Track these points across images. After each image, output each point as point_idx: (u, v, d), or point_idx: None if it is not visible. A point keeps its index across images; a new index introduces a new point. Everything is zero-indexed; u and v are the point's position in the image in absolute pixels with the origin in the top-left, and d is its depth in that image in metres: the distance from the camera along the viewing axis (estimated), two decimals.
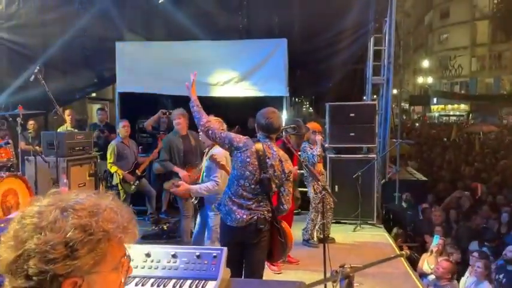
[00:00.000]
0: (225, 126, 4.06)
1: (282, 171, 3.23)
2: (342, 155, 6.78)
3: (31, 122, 6.79)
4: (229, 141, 3.29)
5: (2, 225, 3.17)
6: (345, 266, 1.93)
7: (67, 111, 6.65)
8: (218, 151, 3.97)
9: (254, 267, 3.30)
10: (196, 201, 4.18)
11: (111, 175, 6.34)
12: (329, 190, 4.45)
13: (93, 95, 10.62)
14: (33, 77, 4.65)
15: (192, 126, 4.52)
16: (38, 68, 4.62)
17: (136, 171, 6.02)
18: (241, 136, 3.37)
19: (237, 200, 3.25)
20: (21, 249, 0.87)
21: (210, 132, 3.38)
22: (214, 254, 2.33)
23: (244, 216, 3.21)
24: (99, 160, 6.10)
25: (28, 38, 7.49)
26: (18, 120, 4.57)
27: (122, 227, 0.97)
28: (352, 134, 6.64)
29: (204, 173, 4.08)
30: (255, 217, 3.21)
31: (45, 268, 0.87)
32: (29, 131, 6.61)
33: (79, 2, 7.39)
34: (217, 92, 6.91)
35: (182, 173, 5.20)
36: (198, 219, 4.33)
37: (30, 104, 5.61)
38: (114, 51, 7.22)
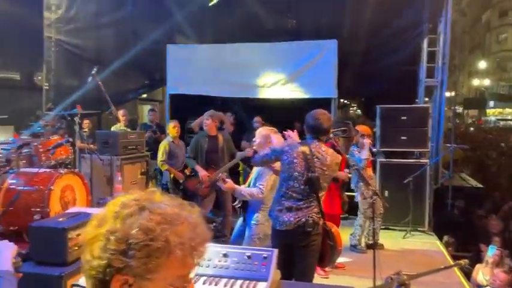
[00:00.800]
0: (274, 135, 3.97)
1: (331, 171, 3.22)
2: (393, 160, 6.59)
3: (86, 121, 7.09)
4: (274, 151, 3.36)
5: (61, 219, 3.32)
6: (401, 273, 1.86)
7: (121, 112, 6.89)
8: None
9: (303, 270, 3.26)
10: (239, 205, 4.18)
11: (161, 173, 6.51)
12: (380, 195, 4.33)
13: (144, 96, 10.96)
14: (90, 78, 4.85)
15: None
16: (95, 69, 4.82)
17: (186, 170, 6.14)
18: (283, 141, 3.43)
19: (286, 202, 3.26)
20: (97, 231, 0.92)
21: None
22: (265, 255, 2.32)
23: (292, 219, 3.21)
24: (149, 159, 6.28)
25: (84, 40, 7.85)
26: (76, 119, 4.78)
27: (189, 246, 0.93)
28: (404, 137, 6.44)
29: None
30: (303, 219, 3.19)
31: (102, 255, 0.90)
32: (84, 130, 6.90)
33: (132, 5, 7.64)
34: (264, 94, 6.94)
35: (202, 172, 5.31)
36: (239, 223, 4.30)
37: (86, 104, 5.85)
38: (165, 53, 7.43)
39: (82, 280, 2.47)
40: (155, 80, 8.26)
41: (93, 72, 4.79)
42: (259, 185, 3.87)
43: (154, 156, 6.46)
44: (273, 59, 6.97)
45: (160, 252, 0.90)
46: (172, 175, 6.09)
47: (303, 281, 3.08)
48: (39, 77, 10.53)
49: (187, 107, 7.60)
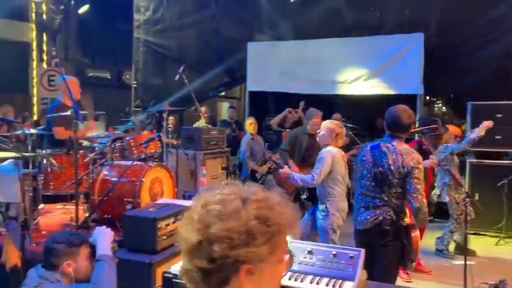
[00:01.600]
0: (338, 130, 4.07)
1: (402, 166, 3.06)
2: (485, 160, 6.13)
3: (171, 118, 7.43)
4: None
5: (151, 209, 3.51)
6: (506, 282, 1.73)
7: (203, 109, 7.12)
8: (328, 149, 4.02)
9: (382, 270, 3.18)
10: (305, 197, 4.20)
11: (240, 169, 6.66)
12: (473, 199, 4.06)
13: (222, 93, 11.26)
14: (177, 76, 5.07)
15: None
16: (182, 68, 5.03)
17: (264, 166, 6.21)
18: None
19: (363, 201, 3.25)
20: (206, 234, 0.93)
21: None
22: (351, 255, 2.28)
23: (369, 217, 3.18)
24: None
25: (169, 40, 8.23)
26: (164, 116, 5.03)
27: (290, 223, 1.00)
28: (498, 137, 5.96)
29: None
30: (380, 217, 3.13)
31: (229, 253, 0.91)
32: (169, 126, 7.24)
33: (215, 5, 7.87)
34: (345, 90, 6.81)
35: (294, 168, 5.30)
36: (306, 216, 4.31)
37: (171, 102, 6.13)
38: (245, 51, 7.58)
39: (173, 268, 2.60)
40: (235, 78, 8.45)
41: (180, 70, 5.01)
42: (313, 171, 3.97)
43: (233, 152, 6.63)
44: (355, 54, 6.81)
45: (275, 235, 0.96)
46: (250, 170, 6.22)
47: (383, 282, 2.99)
48: (127, 76, 11.26)
49: (265, 104, 7.69)
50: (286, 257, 1.03)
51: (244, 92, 11.71)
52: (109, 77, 11.33)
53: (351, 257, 2.27)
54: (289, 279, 2.21)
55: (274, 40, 7.99)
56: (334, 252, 2.30)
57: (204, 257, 0.92)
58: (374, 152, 3.20)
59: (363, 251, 2.30)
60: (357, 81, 6.74)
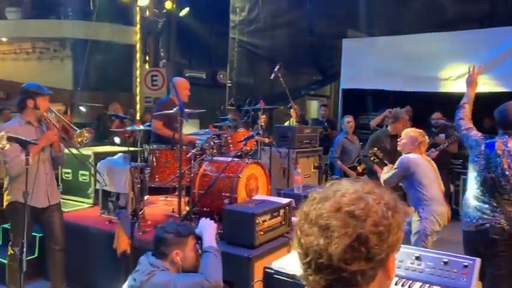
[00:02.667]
0: (421, 139, 3.98)
1: None
2: None
3: (263, 116, 7.55)
4: (466, 139, 3.25)
5: (249, 205, 3.59)
6: None
7: (294, 107, 7.14)
8: (407, 155, 3.95)
9: (491, 283, 2.94)
10: None
11: (332, 169, 6.55)
12: None
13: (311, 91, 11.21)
14: (273, 75, 5.12)
15: None
16: (277, 67, 5.08)
17: (358, 167, 6.06)
18: (478, 134, 3.21)
19: (472, 201, 3.09)
20: (355, 234, 0.91)
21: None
22: (466, 264, 2.14)
23: (474, 221, 3.02)
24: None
25: (263, 40, 8.37)
26: (259, 113, 5.12)
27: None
28: None
29: None
30: (487, 224, 2.92)
31: (384, 246, 0.93)
32: (261, 124, 7.35)
33: (309, 3, 7.84)
34: (449, 88, 6.38)
35: (380, 173, 5.13)
36: None
37: (265, 100, 6.19)
38: (338, 49, 7.45)
39: (274, 264, 2.64)
40: (328, 76, 8.35)
41: (276, 69, 5.07)
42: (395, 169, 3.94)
43: (325, 151, 6.55)
44: (459, 49, 6.34)
45: (398, 227, 0.96)
46: (343, 171, 6.09)
47: None
48: (221, 76, 11.67)
49: (359, 102, 7.50)
50: None
51: (335, 90, 11.56)
52: (204, 77, 11.85)
53: (465, 266, 2.13)
54: (396, 284, 2.13)
55: (369, 36, 7.77)
56: (446, 260, 2.18)
57: (361, 259, 0.92)
58: (488, 153, 3.01)
59: (478, 260, 2.15)
60: (463, 78, 6.26)
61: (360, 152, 6.22)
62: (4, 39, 13.13)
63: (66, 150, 3.98)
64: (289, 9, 8.07)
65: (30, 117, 3.61)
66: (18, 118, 3.65)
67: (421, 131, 4.10)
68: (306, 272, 0.96)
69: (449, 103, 6.95)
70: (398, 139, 4.20)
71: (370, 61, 7.04)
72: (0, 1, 12.95)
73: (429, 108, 6.67)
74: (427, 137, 4.07)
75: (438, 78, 6.44)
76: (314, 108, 13.37)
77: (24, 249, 2.89)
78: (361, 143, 6.70)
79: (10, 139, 3.00)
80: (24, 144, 3.00)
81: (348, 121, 6.24)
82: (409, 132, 4.08)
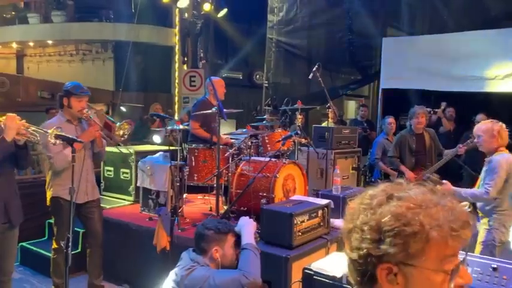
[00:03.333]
0: (497, 127, 3.57)
1: None
2: None
3: (300, 116, 7.50)
4: None
5: (287, 205, 3.57)
6: None
7: (332, 107, 7.06)
8: (499, 157, 3.54)
9: None
10: (469, 209, 3.78)
11: (371, 170, 6.44)
12: None
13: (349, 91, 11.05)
14: (311, 75, 5.09)
15: None
16: (316, 66, 5.04)
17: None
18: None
19: None
20: (352, 224, 0.96)
21: None
22: None
23: None
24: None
25: (301, 40, 8.33)
26: (297, 113, 5.10)
27: (448, 228, 0.90)
28: None
29: (482, 178, 3.69)
30: None
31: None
32: (298, 124, 7.32)
33: (348, 2, 7.73)
34: (495, 87, 6.12)
35: (409, 173, 5.06)
36: None
37: (302, 100, 6.16)
38: (377, 48, 7.32)
39: (314, 265, 2.61)
40: (367, 75, 8.22)
41: (314, 69, 5.03)
42: (486, 184, 3.52)
43: (364, 152, 6.44)
44: (505, 47, 6.08)
45: (416, 236, 0.89)
46: (383, 173, 5.98)
47: None
48: (257, 76, 11.71)
49: (399, 103, 7.32)
50: (450, 267, 0.91)
51: (373, 90, 11.35)
52: (240, 77, 11.92)
53: None
54: None
55: (410, 35, 7.58)
56: (494, 266, 2.08)
57: (349, 246, 0.97)
58: None
59: None
60: (510, 77, 6.02)
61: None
62: (50, 42, 13.71)
63: (114, 149, 4.08)
64: (328, 8, 8.00)
65: (68, 115, 3.73)
66: (59, 116, 3.79)
67: (492, 120, 3.67)
68: (355, 276, 0.99)
69: (494, 103, 6.73)
70: (471, 140, 3.89)
71: (412, 60, 6.87)
72: (46, 5, 13.53)
73: (473, 108, 6.44)
74: (501, 124, 3.61)
75: (483, 77, 6.19)
76: (352, 108, 13.20)
77: (70, 244, 2.99)
78: None
79: (57, 137, 3.12)
80: (70, 142, 3.11)
81: (389, 122, 6.12)
82: (480, 127, 3.64)
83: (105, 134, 3.90)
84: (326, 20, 7.96)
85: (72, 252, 3.09)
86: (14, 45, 14.47)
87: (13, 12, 14.29)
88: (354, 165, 5.82)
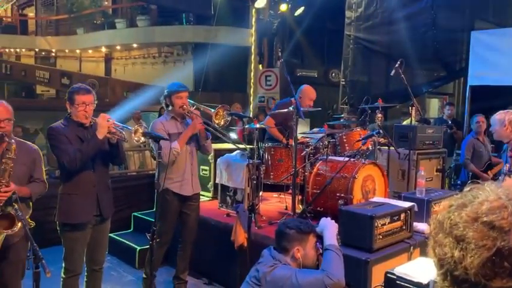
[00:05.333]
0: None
1: None
2: None
3: (379, 115, 7.24)
4: None
5: (367, 207, 3.46)
6: None
7: (415, 105, 6.73)
8: None
9: None
10: None
11: (456, 172, 6.05)
12: None
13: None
14: (393, 71, 4.88)
15: None
16: (399, 63, 4.82)
17: (489, 172, 5.49)
18: None
19: None
20: (495, 247, 0.82)
21: None
22: None
23: None
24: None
25: (380, 36, 8.03)
26: (377, 112, 4.92)
27: None
28: None
29: None
30: None
31: None
32: (378, 123, 7.06)
33: None
34: None
35: (481, 176, 4.95)
36: None
37: (381, 97, 5.93)
38: (464, 42, 6.87)
39: (397, 269, 2.49)
40: (453, 72, 7.72)
41: (396, 65, 4.81)
42: None
43: (449, 153, 6.06)
44: None
45: None
46: (470, 175, 5.57)
47: None
48: (333, 74, 11.51)
49: (488, 101, 6.79)
50: None
51: (459, 87, 10.65)
52: (316, 76, 11.78)
53: None
54: None
55: (500, 27, 7.01)
56: None
57: (504, 274, 0.82)
58: None
59: None
60: None
61: (491, 155, 5.65)
62: (135, 45, 14.57)
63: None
64: (409, 2, 7.62)
65: (172, 113, 3.91)
66: (165, 114, 4.00)
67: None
68: (443, 284, 0.90)
69: None
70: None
71: (503, 55, 6.34)
72: (132, 10, 14.39)
73: None
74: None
75: None
76: (434, 106, 12.49)
77: (155, 236, 3.13)
78: (492, 145, 6.07)
79: (144, 134, 3.29)
80: (157, 140, 3.26)
81: (478, 121, 5.70)
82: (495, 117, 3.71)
83: (210, 126, 3.98)
84: (408, 15, 7.59)
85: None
86: (103, 49, 15.59)
87: (102, 19, 15.39)
88: (439, 167, 5.49)
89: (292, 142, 4.27)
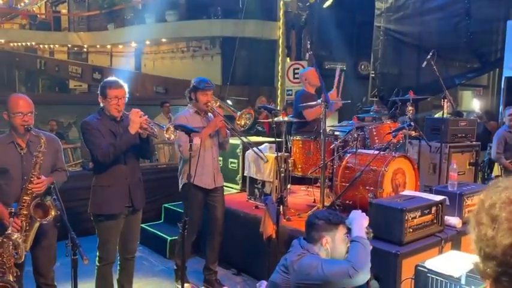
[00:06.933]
0: None
1: None
2: None
3: (410, 108, 7.11)
4: None
5: (398, 200, 3.42)
6: None
7: (448, 97, 6.58)
8: None
9: None
10: None
11: (489, 166, 5.89)
12: None
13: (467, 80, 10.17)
14: (425, 63, 4.79)
15: None
16: (431, 54, 4.72)
17: None
18: None
19: None
20: None
21: None
22: None
23: None
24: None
25: (411, 27, 7.87)
26: (408, 105, 4.83)
27: None
28: None
29: None
30: None
31: None
32: (409, 115, 6.93)
33: None
34: None
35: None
36: None
37: (412, 89, 5.83)
38: (499, 32, 6.65)
39: (428, 262, 2.47)
40: (487, 63, 7.48)
41: (428, 57, 4.71)
42: None
43: (483, 146, 5.90)
44: None
45: None
46: (503, 169, 5.43)
47: None
48: (362, 67, 11.33)
49: None
50: None
51: (493, 79, 10.32)
52: (345, 68, 11.64)
53: None
54: None
55: None
56: None
57: None
58: None
59: None
60: None
61: None
62: (164, 40, 14.75)
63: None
64: None
65: (196, 108, 3.98)
66: (188, 108, 4.06)
67: None
68: (478, 260, 0.96)
69: None
70: None
71: None
72: (161, 5, 14.56)
73: None
74: None
75: None
76: (467, 99, 12.15)
77: (186, 227, 3.20)
78: None
79: (177, 127, 3.35)
80: (188, 131, 3.32)
81: (510, 114, 5.51)
82: None
83: (230, 126, 4.04)
84: (440, 5, 7.40)
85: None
86: (133, 44, 15.86)
87: (132, 14, 15.65)
88: (472, 161, 5.35)
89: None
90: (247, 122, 3.98)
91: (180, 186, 4.00)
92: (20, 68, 20.37)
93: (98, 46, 17.29)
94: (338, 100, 4.78)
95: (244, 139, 4.35)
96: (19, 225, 2.83)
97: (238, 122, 3.94)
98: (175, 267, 4.11)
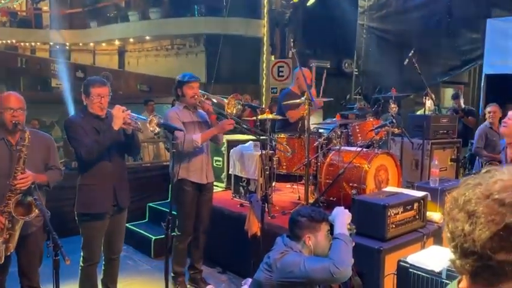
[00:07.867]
0: None
1: None
2: None
3: (393, 105, 7.19)
4: None
5: (380, 196, 3.46)
6: None
7: (430, 95, 6.67)
8: None
9: None
10: None
11: (471, 162, 6.00)
12: None
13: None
14: (407, 60, 4.85)
15: None
16: (412, 51, 4.79)
17: None
18: None
19: None
20: (503, 223, 0.88)
21: None
22: None
23: None
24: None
25: (394, 25, 7.95)
26: (391, 102, 4.89)
27: None
28: None
29: None
30: None
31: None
32: (391, 113, 7.01)
33: None
34: None
35: (496, 159, 4.83)
36: None
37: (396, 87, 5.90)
38: (480, 30, 6.76)
39: (410, 258, 2.51)
40: (468, 61, 7.61)
41: (409, 54, 4.77)
42: None
43: (464, 143, 6.01)
44: None
45: None
46: (485, 164, 5.53)
47: None
48: (346, 64, 11.44)
49: (504, 90, 6.69)
50: None
51: (473, 76, 10.50)
52: (328, 66, 11.72)
53: None
54: None
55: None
56: None
57: (509, 248, 0.88)
58: None
59: None
60: None
61: None
62: (148, 38, 14.65)
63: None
64: None
65: (185, 103, 3.95)
66: (177, 105, 4.03)
67: None
68: (454, 257, 0.97)
69: None
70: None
71: None
72: (144, 2, 14.45)
73: None
74: None
75: None
76: (449, 96, 12.35)
77: (170, 225, 3.18)
78: None
79: (159, 125, 3.33)
80: (171, 130, 3.30)
81: (489, 111, 5.60)
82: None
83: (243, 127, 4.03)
84: (422, 3, 7.49)
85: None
86: (117, 42, 15.71)
87: (115, 12, 15.49)
88: (453, 157, 5.45)
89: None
90: (238, 107, 3.96)
91: (174, 181, 3.87)
92: (0, 67, 19.99)
93: (80, 44, 17.08)
94: (319, 99, 4.80)
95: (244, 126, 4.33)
96: (2, 223, 2.79)
97: (229, 111, 3.92)
98: (172, 275, 4.00)
